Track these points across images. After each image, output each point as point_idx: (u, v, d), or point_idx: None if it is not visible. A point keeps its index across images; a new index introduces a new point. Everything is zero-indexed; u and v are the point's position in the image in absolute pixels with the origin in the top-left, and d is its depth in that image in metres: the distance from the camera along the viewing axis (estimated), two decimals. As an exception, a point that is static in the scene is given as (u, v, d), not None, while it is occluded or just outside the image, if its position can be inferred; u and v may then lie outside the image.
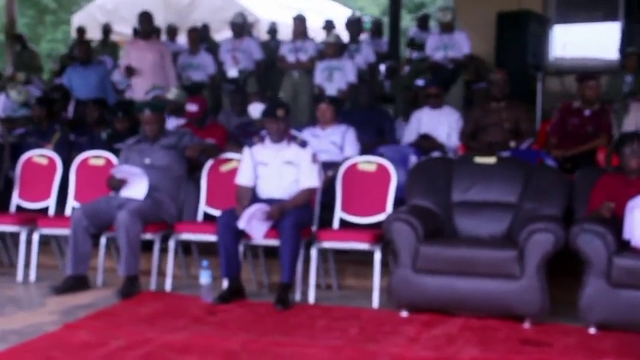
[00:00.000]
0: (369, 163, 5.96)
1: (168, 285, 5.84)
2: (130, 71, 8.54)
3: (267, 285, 5.99)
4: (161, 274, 5.92)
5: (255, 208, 5.39)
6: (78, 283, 5.80)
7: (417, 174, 5.73)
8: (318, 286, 5.61)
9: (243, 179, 5.78)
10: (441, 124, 7.21)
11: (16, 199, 6.71)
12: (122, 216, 5.61)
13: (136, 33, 11.49)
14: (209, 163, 6.27)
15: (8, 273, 6.52)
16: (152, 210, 5.84)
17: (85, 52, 8.81)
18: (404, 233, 5.06)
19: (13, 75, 11.42)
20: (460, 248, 5.04)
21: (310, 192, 5.67)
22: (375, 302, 5.35)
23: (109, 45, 12.86)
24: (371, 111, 7.53)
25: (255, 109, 7.13)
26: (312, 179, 5.66)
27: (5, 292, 5.90)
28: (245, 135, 7.09)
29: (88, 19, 13.98)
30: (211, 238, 5.69)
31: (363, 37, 10.55)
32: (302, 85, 9.08)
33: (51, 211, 6.54)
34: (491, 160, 5.65)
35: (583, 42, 11.18)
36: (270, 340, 4.54)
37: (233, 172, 6.05)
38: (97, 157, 6.63)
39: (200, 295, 5.48)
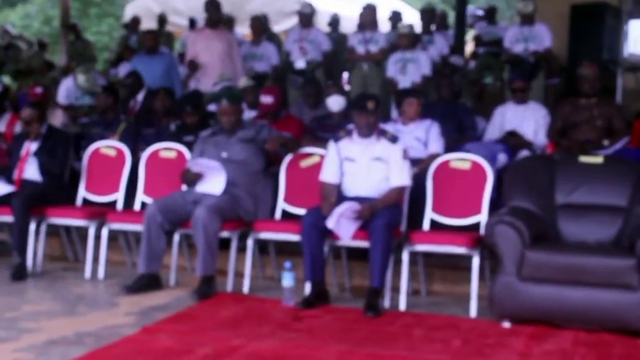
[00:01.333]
0: (463, 160, 5.56)
1: (245, 286, 5.50)
2: (194, 66, 8.24)
3: (349, 288, 5.64)
4: (237, 274, 5.59)
5: (345, 207, 5.01)
6: (151, 282, 5.49)
7: (516, 173, 5.32)
8: (405, 292, 5.24)
9: (328, 176, 5.41)
10: (527, 120, 6.76)
11: (82, 192, 6.40)
12: (200, 212, 5.27)
13: (192, 24, 11.25)
14: (288, 157, 5.91)
15: (74, 268, 6.24)
16: (230, 206, 5.50)
17: (152, 41, 8.46)
18: (508, 237, 4.66)
19: (68, 65, 11.21)
20: (571, 255, 4.63)
21: (401, 191, 5.29)
22: (473, 311, 4.96)
23: (164, 35, 12.55)
24: (451, 105, 7.12)
25: (335, 102, 6.75)
26: (403, 177, 5.28)
27: (73, 289, 5.62)
28: (323, 129, 6.70)
29: (141, 10, 13.73)
30: (292, 237, 5.36)
31: (432, 28, 10.12)
32: (372, 77, 8.69)
33: (119, 205, 6.23)
34: (597, 159, 5.24)
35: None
36: (368, 351, 4.18)
37: (314, 168, 5.71)
38: (167, 149, 6.31)
39: (282, 299, 5.14)
